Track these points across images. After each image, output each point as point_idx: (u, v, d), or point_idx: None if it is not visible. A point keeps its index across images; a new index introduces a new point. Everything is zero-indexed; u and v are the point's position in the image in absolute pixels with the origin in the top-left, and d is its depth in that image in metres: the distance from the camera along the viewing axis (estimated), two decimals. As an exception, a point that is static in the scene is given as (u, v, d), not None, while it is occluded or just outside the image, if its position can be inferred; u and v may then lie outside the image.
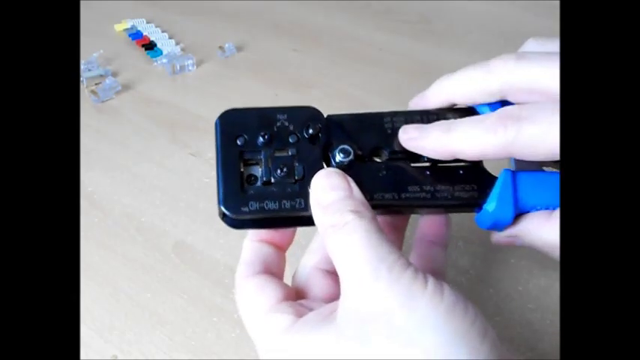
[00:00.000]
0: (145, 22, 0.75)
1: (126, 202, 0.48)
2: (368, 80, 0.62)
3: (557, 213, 0.27)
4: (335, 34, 0.71)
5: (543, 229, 0.27)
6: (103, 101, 0.60)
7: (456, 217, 0.45)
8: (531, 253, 0.42)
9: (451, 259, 0.41)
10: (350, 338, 0.21)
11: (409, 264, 0.22)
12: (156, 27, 0.73)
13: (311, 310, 0.25)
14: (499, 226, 0.29)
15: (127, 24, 0.74)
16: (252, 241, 0.29)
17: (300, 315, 0.24)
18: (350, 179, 0.26)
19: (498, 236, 0.30)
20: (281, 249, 0.29)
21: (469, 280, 0.40)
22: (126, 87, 0.62)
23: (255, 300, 0.26)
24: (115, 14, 0.77)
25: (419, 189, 0.27)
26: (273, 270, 0.28)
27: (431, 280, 0.22)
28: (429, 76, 0.62)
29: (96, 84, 0.61)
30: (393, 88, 0.61)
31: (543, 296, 0.39)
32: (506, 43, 0.68)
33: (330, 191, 0.25)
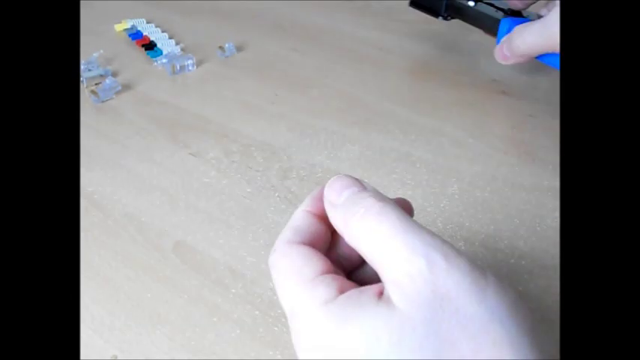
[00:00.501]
0: (145, 22, 0.75)
1: (126, 202, 0.48)
2: (368, 80, 0.62)
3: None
4: (335, 34, 0.71)
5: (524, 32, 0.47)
6: (103, 101, 0.60)
7: (456, 218, 0.45)
8: (531, 253, 0.42)
9: (451, 259, 0.41)
10: (417, 323, 0.20)
11: (460, 253, 0.22)
12: (156, 27, 0.73)
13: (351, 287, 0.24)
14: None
15: (127, 24, 0.74)
16: (305, 211, 0.27)
17: (342, 290, 0.23)
18: (363, 181, 0.26)
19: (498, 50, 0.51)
20: (330, 228, 0.28)
21: (469, 280, 0.40)
22: (126, 87, 0.62)
23: (299, 268, 0.24)
24: (115, 14, 0.77)
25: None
26: (319, 245, 0.26)
27: (489, 273, 0.22)
28: (429, 76, 0.63)
29: (96, 84, 0.61)
30: (393, 88, 0.61)
31: (543, 296, 0.39)
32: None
33: (342, 190, 0.25)
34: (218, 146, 0.53)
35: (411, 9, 0.64)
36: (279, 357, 0.36)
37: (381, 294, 0.22)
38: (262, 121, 0.56)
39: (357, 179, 0.26)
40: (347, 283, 0.24)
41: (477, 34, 0.71)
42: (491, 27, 0.58)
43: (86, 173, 0.51)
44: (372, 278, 0.25)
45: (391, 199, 0.25)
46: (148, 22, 0.75)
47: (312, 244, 0.26)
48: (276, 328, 0.38)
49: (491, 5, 0.59)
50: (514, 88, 0.60)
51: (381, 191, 0.49)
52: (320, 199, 0.27)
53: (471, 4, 0.60)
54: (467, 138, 0.53)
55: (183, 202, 0.48)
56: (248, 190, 0.48)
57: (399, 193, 0.47)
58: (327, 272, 0.24)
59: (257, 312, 0.39)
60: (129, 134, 0.56)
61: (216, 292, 0.40)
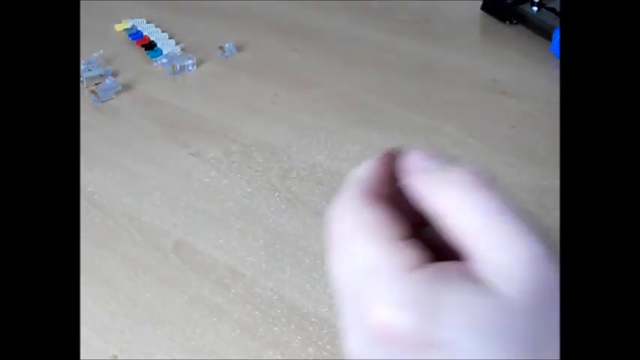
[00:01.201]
0: (144, 22, 0.75)
1: (126, 202, 0.48)
2: (368, 80, 0.62)
3: None
4: (335, 34, 0.71)
5: None
6: (103, 101, 0.60)
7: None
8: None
9: (451, 259, 0.41)
10: (527, 312, 0.19)
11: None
12: (156, 27, 0.73)
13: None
14: None
15: (127, 24, 0.74)
16: (377, 163, 0.24)
17: (430, 260, 0.20)
18: None
19: None
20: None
21: (469, 280, 0.40)
22: (126, 87, 0.62)
23: (386, 224, 0.21)
24: (115, 14, 0.77)
25: None
26: (398, 206, 0.23)
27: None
28: (429, 76, 0.63)
29: (96, 84, 0.61)
30: (393, 88, 0.61)
31: (543, 296, 0.39)
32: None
33: (430, 159, 0.23)
34: (218, 146, 0.53)
35: (411, 9, 0.66)
36: (279, 357, 0.36)
37: (467, 273, 0.20)
38: (262, 121, 0.56)
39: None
40: (431, 254, 0.21)
41: (476, 34, 0.71)
42: (548, 34, 0.64)
43: (86, 173, 0.51)
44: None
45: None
46: (148, 22, 0.75)
47: (388, 202, 0.23)
48: (276, 328, 0.38)
49: (553, 11, 0.65)
50: (514, 88, 0.60)
51: (381, 191, 0.49)
52: (387, 162, 0.24)
53: (534, 9, 0.67)
54: (467, 138, 0.53)
55: (183, 202, 0.48)
56: (248, 190, 0.48)
57: (399, 193, 0.47)
58: (410, 238, 0.21)
59: (257, 312, 0.39)
60: (129, 134, 0.56)
61: (216, 292, 0.40)
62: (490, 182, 0.21)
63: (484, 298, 0.19)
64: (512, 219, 0.20)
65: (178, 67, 0.64)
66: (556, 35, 0.62)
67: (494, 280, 0.19)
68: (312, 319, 0.38)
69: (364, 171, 0.24)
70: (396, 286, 0.19)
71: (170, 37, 0.71)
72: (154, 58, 0.67)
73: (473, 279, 0.19)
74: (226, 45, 0.67)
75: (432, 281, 0.19)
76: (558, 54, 0.63)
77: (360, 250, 0.21)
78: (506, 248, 0.19)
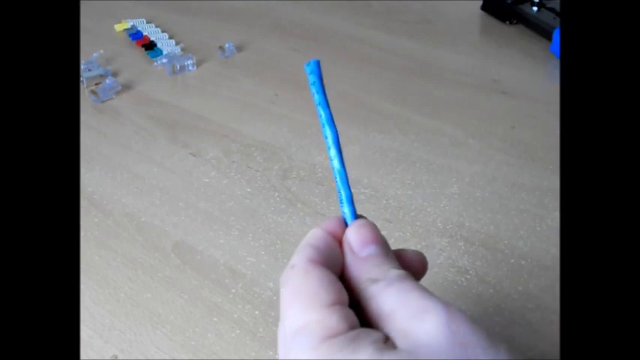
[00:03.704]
0: (145, 22, 0.75)
1: (126, 202, 0.48)
2: (368, 80, 0.62)
3: None
4: (335, 34, 0.71)
5: None
6: (103, 101, 0.60)
7: (456, 218, 0.45)
8: (531, 253, 0.42)
9: (451, 259, 0.41)
10: None
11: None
12: (156, 27, 0.73)
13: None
14: None
15: (127, 24, 0.74)
16: (326, 232, 0.27)
17: (352, 327, 0.23)
18: (384, 237, 0.26)
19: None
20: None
21: (469, 280, 0.40)
22: (126, 87, 0.62)
23: (317, 290, 0.24)
24: (115, 14, 0.77)
25: None
26: (336, 271, 0.26)
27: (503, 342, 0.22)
28: (429, 76, 0.63)
29: (96, 84, 0.61)
30: (393, 88, 0.61)
31: (543, 296, 0.39)
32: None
33: (368, 244, 0.25)
34: (218, 146, 0.53)
35: (411, 9, 0.66)
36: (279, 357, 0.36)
37: (385, 340, 0.22)
38: (262, 121, 0.56)
39: (381, 235, 0.26)
40: (357, 319, 0.24)
41: (476, 34, 0.71)
42: (548, 34, 0.65)
43: (86, 173, 0.51)
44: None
45: (407, 272, 0.25)
46: (148, 22, 0.75)
47: (330, 267, 0.26)
48: (275, 328, 0.38)
49: (553, 11, 0.64)
50: (514, 88, 0.60)
51: (381, 191, 0.49)
52: (342, 225, 0.27)
53: (534, 9, 0.68)
54: (467, 138, 0.53)
55: (184, 202, 0.48)
56: (248, 190, 0.48)
57: (399, 193, 0.47)
58: (343, 303, 0.24)
59: (257, 312, 0.39)
60: (129, 134, 0.56)
61: (216, 292, 0.40)
62: (412, 285, 0.23)
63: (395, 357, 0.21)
64: (423, 298, 0.22)
65: (178, 67, 0.64)
66: (556, 35, 0.63)
67: (402, 345, 0.22)
68: (312, 319, 0.38)
69: (313, 237, 0.26)
70: (312, 353, 0.22)
71: (170, 37, 0.71)
72: (153, 58, 0.67)
73: (382, 344, 0.22)
74: (226, 45, 0.67)
75: (341, 350, 0.21)
76: (558, 54, 0.63)
77: (291, 314, 0.24)
78: (413, 318, 0.22)
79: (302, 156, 0.52)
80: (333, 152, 0.26)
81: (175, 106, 0.59)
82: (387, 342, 0.22)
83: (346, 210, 0.26)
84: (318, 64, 0.28)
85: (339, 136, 0.27)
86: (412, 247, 0.42)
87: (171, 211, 0.47)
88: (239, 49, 0.69)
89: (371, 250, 0.25)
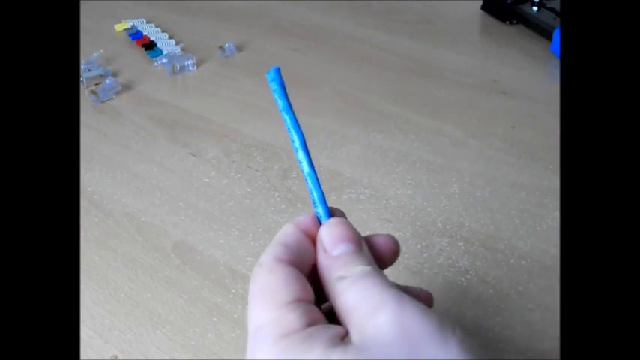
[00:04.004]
0: (145, 22, 0.75)
1: (126, 202, 0.48)
2: (368, 80, 0.62)
3: None
4: (335, 34, 0.71)
5: None
6: (103, 101, 0.60)
7: (456, 218, 0.45)
8: (531, 253, 0.42)
9: (451, 259, 0.41)
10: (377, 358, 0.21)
11: (431, 310, 0.23)
12: (156, 27, 0.73)
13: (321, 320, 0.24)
14: None
15: (127, 24, 0.74)
16: (297, 228, 0.27)
17: (311, 323, 0.23)
18: (358, 234, 0.26)
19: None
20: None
21: (469, 280, 0.40)
22: (126, 87, 0.62)
23: (278, 289, 0.24)
24: (115, 14, 0.77)
25: None
26: (305, 267, 0.26)
27: (458, 328, 0.22)
28: (429, 76, 0.63)
29: (96, 84, 0.61)
30: (393, 88, 0.61)
31: (543, 296, 0.39)
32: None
33: (339, 243, 0.26)
34: (218, 146, 0.53)
35: (411, 9, 0.66)
36: (279, 357, 0.36)
37: (345, 336, 0.23)
38: (262, 121, 0.56)
39: (355, 231, 0.26)
40: (319, 316, 0.24)
41: (476, 34, 0.71)
42: (548, 34, 0.65)
43: (86, 173, 0.51)
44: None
45: (382, 271, 0.25)
46: (148, 22, 0.75)
47: (299, 264, 0.26)
48: (276, 328, 0.38)
49: (553, 11, 0.65)
50: (514, 88, 0.60)
51: (381, 191, 0.49)
52: (316, 222, 0.27)
53: (534, 9, 0.68)
54: (467, 138, 0.53)
55: (184, 202, 0.48)
56: (248, 190, 0.48)
57: (399, 193, 0.47)
58: (305, 300, 0.24)
59: (257, 312, 0.39)
60: (129, 134, 0.56)
61: (216, 292, 0.40)
62: (379, 281, 0.24)
63: (342, 355, 0.21)
64: (379, 291, 0.23)
65: (178, 67, 0.64)
66: (556, 35, 0.63)
67: (355, 339, 0.22)
68: (312, 319, 0.38)
69: (283, 234, 0.27)
70: (271, 349, 0.22)
71: (170, 37, 0.71)
72: (153, 58, 0.67)
73: (338, 340, 0.22)
74: (226, 45, 0.67)
75: (295, 348, 0.22)
76: (558, 54, 0.63)
77: (253, 313, 0.24)
78: (366, 313, 0.22)
79: (302, 156, 0.52)
80: (301, 155, 0.27)
81: (175, 106, 0.59)
82: (346, 338, 0.23)
83: (319, 210, 0.27)
84: (278, 71, 0.28)
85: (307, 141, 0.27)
86: (412, 247, 0.42)
87: (171, 211, 0.47)
88: (239, 49, 0.69)
89: (342, 248, 0.25)
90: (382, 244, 0.27)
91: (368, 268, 0.24)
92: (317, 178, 0.27)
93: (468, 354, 0.21)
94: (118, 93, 0.61)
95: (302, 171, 0.27)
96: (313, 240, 0.27)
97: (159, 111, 0.59)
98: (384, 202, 0.47)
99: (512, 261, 0.41)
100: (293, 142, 0.27)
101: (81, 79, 0.62)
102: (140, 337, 0.38)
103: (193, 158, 0.52)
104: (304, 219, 0.27)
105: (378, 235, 0.27)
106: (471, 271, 0.41)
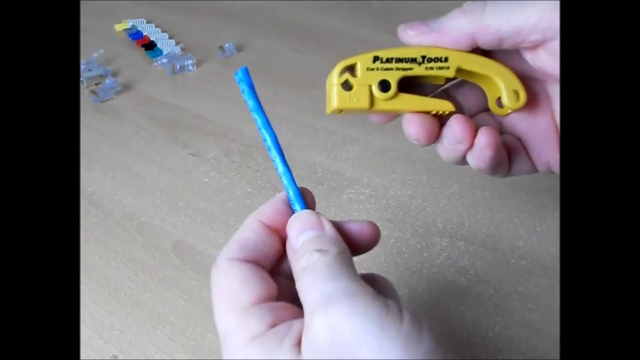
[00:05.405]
0: (145, 22, 0.75)
1: (126, 202, 0.48)
2: (368, 80, 0.62)
3: None
4: (335, 34, 0.71)
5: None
6: (103, 101, 0.60)
7: (456, 218, 0.45)
8: (531, 253, 0.42)
9: (451, 259, 0.41)
10: None
11: (379, 298, 0.22)
12: (156, 27, 0.73)
13: (284, 319, 0.24)
14: None
15: (127, 24, 0.74)
16: (258, 221, 0.27)
17: (274, 323, 0.23)
18: (324, 218, 0.26)
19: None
20: (283, 243, 0.27)
21: (469, 280, 0.40)
22: (126, 87, 0.62)
23: (237, 292, 0.24)
24: (115, 14, 0.77)
25: None
26: (266, 261, 0.26)
27: (407, 319, 0.21)
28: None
29: (96, 84, 0.61)
30: (393, 88, 0.61)
31: (543, 296, 0.39)
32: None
33: (301, 234, 0.25)
34: (218, 146, 0.53)
35: (411, 9, 0.65)
36: (279, 357, 0.36)
37: (293, 335, 0.23)
38: (262, 121, 0.56)
39: (318, 218, 0.26)
40: (284, 311, 0.24)
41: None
42: None
43: (86, 173, 0.51)
44: None
45: (342, 242, 0.25)
46: (148, 22, 0.75)
47: (259, 260, 0.26)
48: (276, 328, 0.38)
49: None
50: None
51: (381, 191, 0.49)
52: (278, 212, 0.27)
53: None
54: (467, 138, 0.53)
55: (184, 202, 0.48)
56: (248, 190, 0.48)
57: (399, 193, 0.47)
58: (266, 298, 0.24)
59: (257, 312, 0.39)
60: (129, 134, 0.56)
61: (216, 292, 0.40)
62: (333, 264, 0.23)
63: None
64: (315, 292, 0.22)
65: (178, 67, 0.64)
66: None
67: (304, 345, 0.22)
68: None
69: (243, 229, 0.27)
70: (238, 353, 0.23)
71: (170, 37, 0.71)
72: (153, 58, 0.67)
73: (294, 342, 0.22)
74: (226, 45, 0.67)
75: (258, 352, 0.22)
76: None
77: (219, 320, 0.24)
78: (307, 318, 0.22)
79: (302, 156, 0.52)
80: (274, 154, 0.27)
81: (175, 106, 0.59)
82: (303, 338, 0.22)
83: (297, 207, 0.27)
84: (246, 71, 0.28)
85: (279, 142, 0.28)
86: (412, 247, 0.42)
87: (171, 211, 0.47)
88: (239, 49, 0.69)
89: (302, 238, 0.25)
90: (356, 229, 0.27)
91: (324, 258, 0.23)
92: (291, 175, 0.27)
93: (416, 349, 0.20)
94: (118, 93, 0.61)
95: (276, 169, 0.27)
96: (278, 227, 0.27)
97: (159, 111, 0.59)
98: (384, 202, 0.47)
99: (512, 261, 0.41)
100: (265, 141, 0.27)
101: (81, 79, 0.62)
102: (140, 337, 0.38)
103: (193, 158, 0.52)
104: (267, 208, 0.27)
105: (354, 220, 0.27)
106: (471, 271, 0.41)
